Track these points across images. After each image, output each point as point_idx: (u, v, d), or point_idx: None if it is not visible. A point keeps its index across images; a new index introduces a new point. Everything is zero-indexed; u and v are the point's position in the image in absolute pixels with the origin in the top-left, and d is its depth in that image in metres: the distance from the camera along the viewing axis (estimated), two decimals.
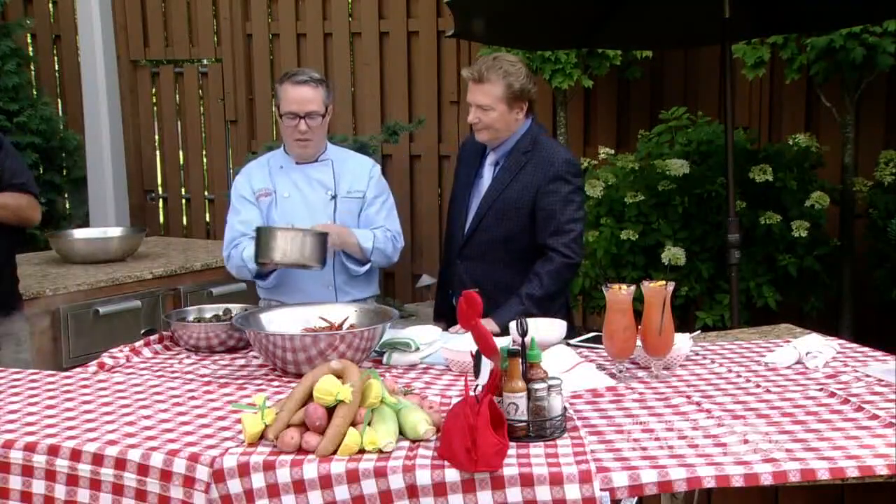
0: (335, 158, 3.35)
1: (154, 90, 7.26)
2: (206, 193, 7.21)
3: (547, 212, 3.19)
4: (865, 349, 2.73)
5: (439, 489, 1.78)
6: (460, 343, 2.58)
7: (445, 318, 3.26)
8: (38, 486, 1.95)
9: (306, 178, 3.30)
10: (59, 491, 1.93)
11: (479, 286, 3.11)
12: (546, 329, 2.73)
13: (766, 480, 1.79)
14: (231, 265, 3.29)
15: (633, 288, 2.44)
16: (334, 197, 3.29)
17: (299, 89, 3.17)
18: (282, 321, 2.69)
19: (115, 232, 4.90)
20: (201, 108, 7.15)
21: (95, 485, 1.91)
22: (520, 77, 3.16)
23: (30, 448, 1.96)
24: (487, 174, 3.33)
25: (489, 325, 3.03)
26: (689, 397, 2.27)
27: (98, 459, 1.91)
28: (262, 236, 2.97)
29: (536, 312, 3.02)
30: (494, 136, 3.23)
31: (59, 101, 7.47)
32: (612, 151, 5.37)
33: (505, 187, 3.24)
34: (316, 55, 6.60)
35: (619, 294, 2.42)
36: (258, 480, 1.83)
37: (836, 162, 5.17)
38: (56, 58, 7.50)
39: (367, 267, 3.30)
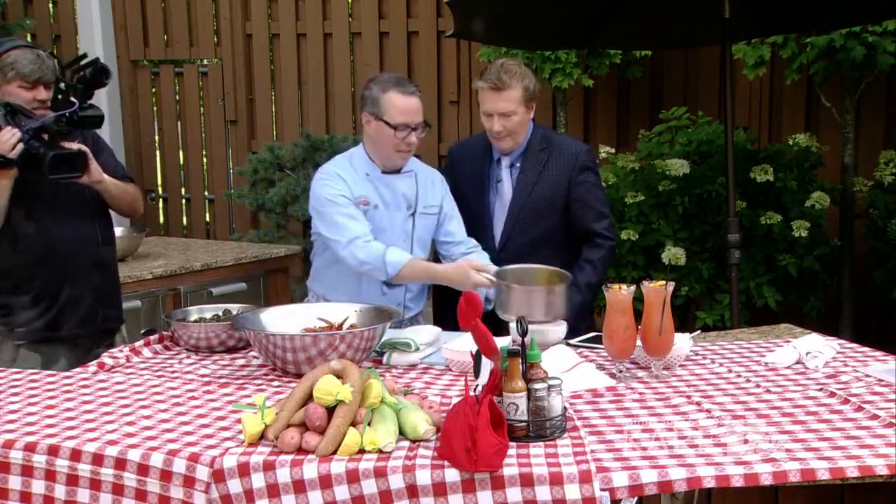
0: (416, 170, 3.25)
1: (154, 90, 7.25)
2: (206, 193, 7.20)
3: (583, 201, 3.33)
4: (865, 349, 2.73)
5: (439, 489, 1.78)
6: (460, 343, 2.58)
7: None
8: (38, 486, 1.95)
9: (391, 190, 3.17)
10: (59, 491, 1.93)
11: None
12: (546, 329, 2.73)
13: (766, 480, 1.79)
14: (354, 260, 3.05)
15: (633, 288, 2.45)
16: (413, 214, 3.20)
17: (410, 100, 3.07)
18: (282, 321, 2.69)
19: (116, 232, 4.89)
20: (201, 108, 7.14)
21: (95, 485, 1.91)
22: (532, 78, 3.25)
23: (30, 448, 1.96)
24: (507, 178, 3.36)
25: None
26: (689, 397, 2.27)
27: (98, 459, 1.91)
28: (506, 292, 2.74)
29: (592, 301, 3.12)
30: (516, 140, 3.29)
31: None
32: (613, 151, 5.37)
33: (534, 186, 3.30)
34: (316, 55, 6.60)
35: (619, 294, 2.42)
36: (258, 480, 1.83)
37: (836, 162, 5.17)
38: (56, 58, 7.49)
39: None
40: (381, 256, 3.02)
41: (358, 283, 3.16)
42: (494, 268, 2.98)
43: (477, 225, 3.38)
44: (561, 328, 2.79)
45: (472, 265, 2.98)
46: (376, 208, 3.14)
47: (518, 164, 3.34)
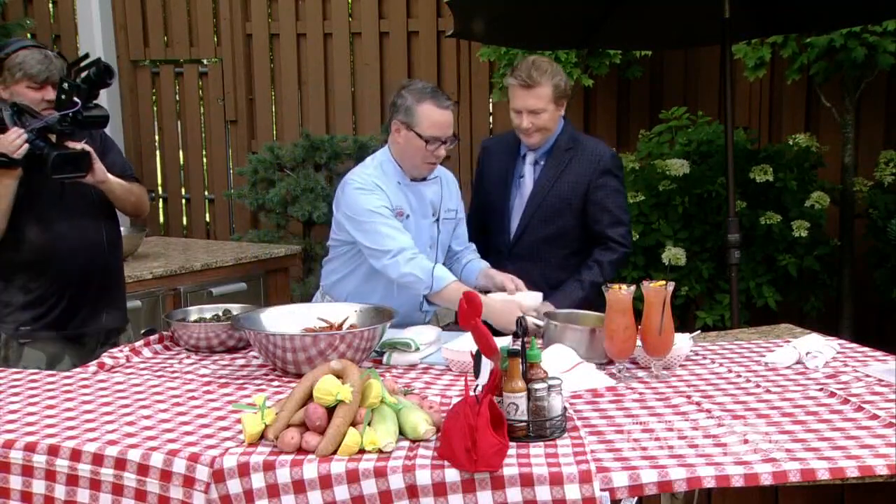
0: (440, 174, 3.21)
1: (154, 90, 7.25)
2: (206, 193, 7.20)
3: (600, 205, 3.30)
4: (865, 349, 2.73)
5: (439, 489, 1.78)
6: (460, 343, 2.58)
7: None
8: (39, 486, 1.95)
9: (419, 197, 3.13)
10: (59, 491, 1.93)
11: (533, 283, 3.17)
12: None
13: (766, 480, 1.79)
14: (396, 270, 2.96)
15: (633, 288, 2.45)
16: (437, 219, 3.18)
17: (444, 113, 3.00)
18: (282, 321, 2.69)
19: None
20: (201, 108, 7.15)
21: (95, 485, 1.91)
22: (563, 76, 3.23)
23: (30, 448, 1.96)
24: (529, 174, 3.35)
25: (547, 308, 3.02)
26: (689, 397, 2.27)
27: (98, 459, 1.91)
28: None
29: (596, 301, 3.05)
30: (545, 136, 3.28)
31: None
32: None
33: (553, 185, 3.29)
34: (316, 55, 6.60)
35: (619, 294, 2.42)
36: (258, 480, 1.83)
37: (836, 162, 5.17)
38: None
39: None
40: (429, 270, 2.96)
41: (389, 293, 3.09)
42: (540, 303, 2.99)
43: (495, 219, 3.39)
44: (538, 295, 2.91)
45: (521, 305, 2.91)
46: (408, 217, 3.09)
47: (542, 162, 3.33)
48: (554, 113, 3.23)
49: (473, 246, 3.35)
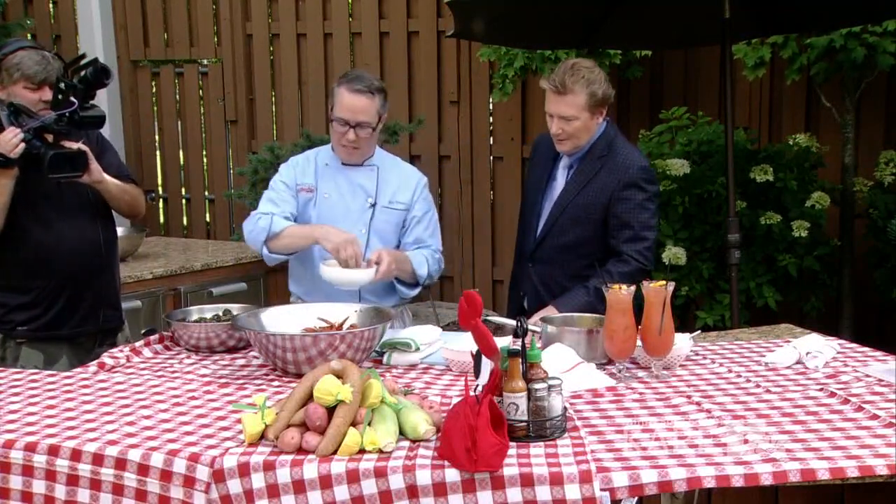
0: (381, 165, 3.30)
1: (154, 90, 7.25)
2: (206, 193, 7.20)
3: (621, 219, 3.18)
4: (865, 349, 2.73)
5: (439, 489, 1.78)
6: (460, 343, 2.58)
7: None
8: (39, 486, 1.95)
9: (349, 181, 3.25)
10: (60, 491, 1.93)
11: (550, 290, 3.13)
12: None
13: (767, 480, 1.79)
14: (246, 230, 3.25)
15: (633, 288, 2.45)
16: (373, 205, 3.24)
17: (355, 98, 3.10)
18: (282, 321, 2.69)
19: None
20: (201, 108, 7.14)
21: (96, 485, 1.91)
22: (601, 84, 3.13)
23: (30, 448, 1.96)
24: (561, 177, 3.31)
25: (552, 312, 3.02)
26: (689, 397, 2.28)
27: (98, 459, 1.91)
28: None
29: (601, 308, 3.03)
30: (577, 144, 3.20)
31: None
32: None
33: (578, 192, 3.22)
34: (316, 55, 6.59)
35: (619, 294, 2.42)
36: (258, 480, 1.83)
37: (836, 162, 5.17)
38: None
39: (417, 290, 3.29)
40: (270, 217, 3.16)
41: (329, 288, 3.15)
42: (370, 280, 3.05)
43: (525, 221, 3.37)
44: (370, 270, 2.99)
45: (353, 277, 3.01)
46: (328, 197, 3.23)
47: (574, 167, 3.26)
48: (588, 122, 3.14)
49: (435, 249, 3.35)
